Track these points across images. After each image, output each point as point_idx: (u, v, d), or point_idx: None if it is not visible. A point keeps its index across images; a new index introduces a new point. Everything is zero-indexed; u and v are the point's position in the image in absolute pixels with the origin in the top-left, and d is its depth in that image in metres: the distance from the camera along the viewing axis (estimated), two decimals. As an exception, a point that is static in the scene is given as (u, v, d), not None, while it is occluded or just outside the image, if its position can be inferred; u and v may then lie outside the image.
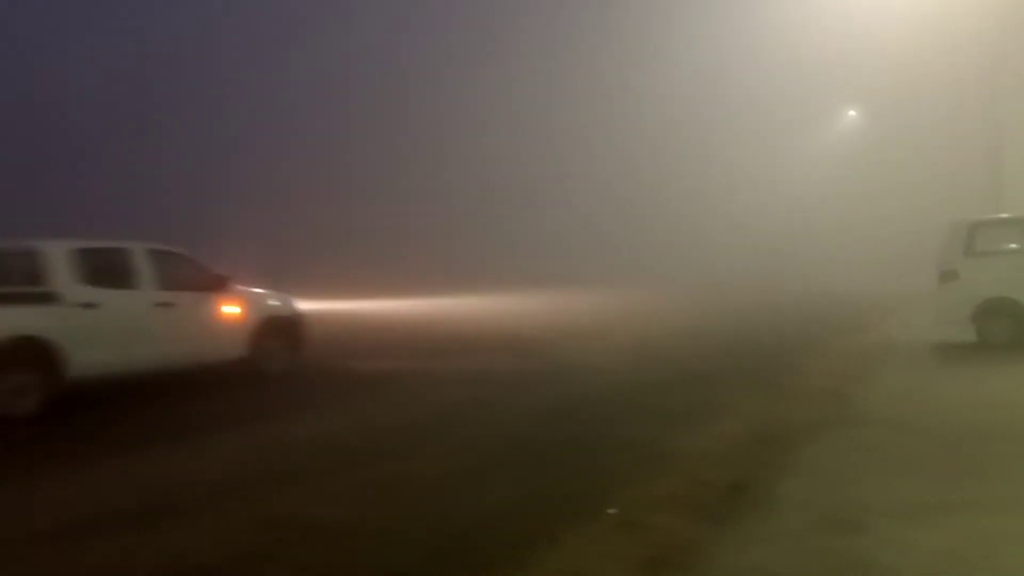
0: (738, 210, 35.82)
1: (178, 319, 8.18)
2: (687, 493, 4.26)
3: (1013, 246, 9.90)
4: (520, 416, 6.63)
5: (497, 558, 3.39)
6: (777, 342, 12.06)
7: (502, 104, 34.12)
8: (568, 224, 36.82)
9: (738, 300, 22.98)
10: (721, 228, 36.01)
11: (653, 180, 36.77)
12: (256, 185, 26.91)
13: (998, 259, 9.86)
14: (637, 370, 9.33)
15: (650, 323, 16.57)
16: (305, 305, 10.52)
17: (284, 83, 30.17)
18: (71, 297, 7.26)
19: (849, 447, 5.19)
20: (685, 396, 7.25)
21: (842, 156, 35.08)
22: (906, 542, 3.44)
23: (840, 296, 22.70)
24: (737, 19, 34.04)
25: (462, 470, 4.88)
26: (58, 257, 7.40)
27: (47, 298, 7.14)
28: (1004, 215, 12.20)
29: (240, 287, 9.08)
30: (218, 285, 8.65)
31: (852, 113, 34.96)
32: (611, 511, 3.95)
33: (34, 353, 6.82)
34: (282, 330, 9.30)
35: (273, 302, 9.51)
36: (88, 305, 7.36)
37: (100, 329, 7.37)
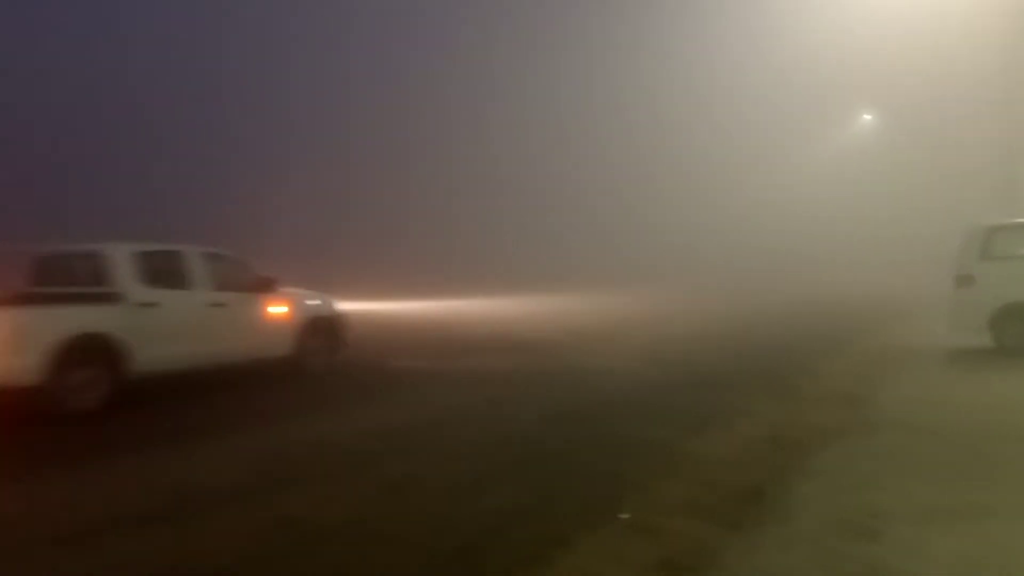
0: (754, 212, 35.34)
1: (229, 318, 8.36)
2: (701, 497, 4.16)
3: None
4: (535, 418, 6.51)
5: (508, 562, 3.33)
6: (792, 344, 11.84)
7: (512, 105, 33.87)
8: (585, 227, 36.54)
9: (752, 302, 22.65)
10: (736, 230, 35.54)
11: (669, 183, 36.33)
12: (295, 191, 27.13)
13: (1015, 264, 9.57)
14: (652, 372, 9.19)
15: (667, 325, 16.38)
16: (346, 306, 10.62)
17: (323, 83, 30.16)
18: (133, 297, 7.47)
19: (865, 451, 5.06)
20: (700, 398, 7.13)
21: (858, 158, 34.44)
22: (923, 547, 3.36)
23: (855, 299, 22.30)
24: (753, 21, 33.50)
25: (476, 471, 4.78)
26: (121, 259, 7.61)
27: (111, 298, 7.34)
28: (1021, 219, 11.91)
29: (285, 288, 9.24)
30: (265, 286, 8.81)
31: (868, 117, 34.32)
32: (624, 515, 3.85)
33: (101, 350, 7.01)
34: (323, 329, 9.44)
35: (315, 303, 9.63)
36: (149, 305, 7.56)
37: (160, 327, 7.55)
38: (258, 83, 28.18)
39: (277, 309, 8.92)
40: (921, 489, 4.20)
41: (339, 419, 6.71)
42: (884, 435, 5.52)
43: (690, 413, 6.48)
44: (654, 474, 4.63)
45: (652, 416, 6.44)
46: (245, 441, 5.87)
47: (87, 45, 22.67)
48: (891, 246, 30.75)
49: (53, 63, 21.38)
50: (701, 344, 12.41)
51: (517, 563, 3.31)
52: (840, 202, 34.01)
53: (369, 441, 5.73)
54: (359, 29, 31.12)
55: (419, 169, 32.03)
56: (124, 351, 7.16)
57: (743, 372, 8.99)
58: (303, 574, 3.28)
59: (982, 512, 3.79)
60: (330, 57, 29.73)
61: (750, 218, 35.35)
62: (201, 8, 25.97)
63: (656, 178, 36.25)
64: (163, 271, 7.93)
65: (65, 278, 7.77)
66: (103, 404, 6.91)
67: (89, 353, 6.92)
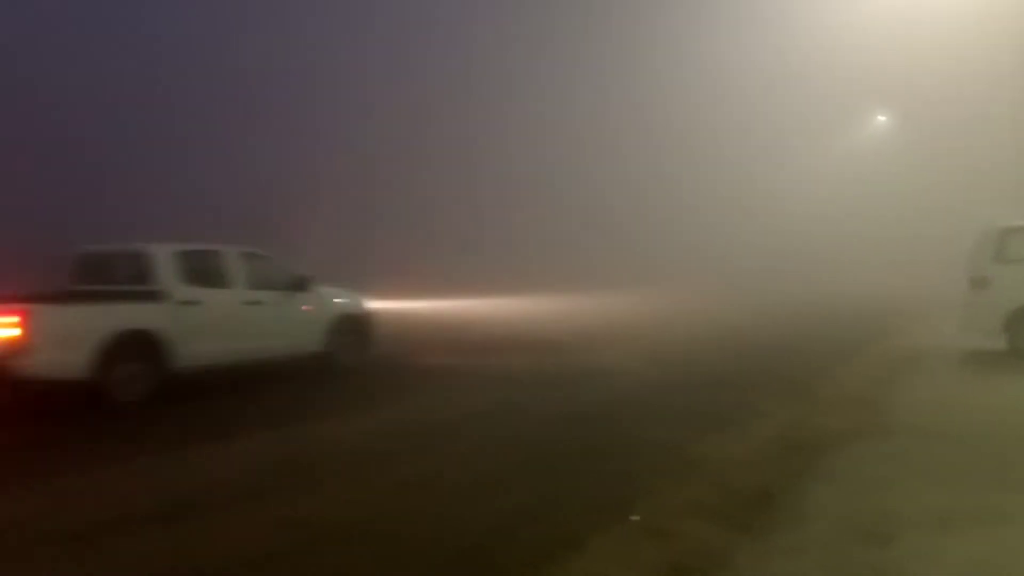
0: (766, 213, 34.88)
1: (266, 316, 8.45)
2: (714, 500, 4.08)
3: None
4: (549, 418, 6.42)
5: (519, 563, 3.28)
6: (806, 347, 11.59)
7: (530, 105, 33.57)
8: (603, 227, 36.27)
9: (766, 304, 22.32)
10: (749, 231, 35.09)
11: (682, 183, 35.94)
12: (322, 192, 27.25)
13: None
14: (668, 373, 9.05)
15: (685, 326, 16.17)
16: (376, 304, 10.66)
17: (344, 84, 30.05)
18: (176, 295, 7.58)
19: (879, 455, 4.95)
20: (714, 400, 7.01)
21: (872, 159, 33.84)
22: (937, 553, 3.28)
23: (868, 300, 21.94)
24: (770, 22, 32.94)
25: (490, 472, 4.71)
26: (163, 259, 7.72)
27: (155, 296, 7.47)
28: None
29: (318, 286, 9.32)
30: (299, 284, 8.90)
31: (882, 118, 33.72)
32: (634, 518, 3.78)
33: (146, 345, 7.14)
34: (353, 327, 9.49)
35: (345, 300, 9.70)
36: (190, 303, 7.67)
37: (200, 324, 7.66)
38: (280, 84, 28.12)
39: (309, 307, 9.00)
40: (935, 493, 4.10)
41: (362, 417, 6.68)
42: (897, 438, 5.40)
43: (703, 414, 6.38)
44: (665, 476, 4.55)
45: (665, 417, 6.33)
46: (272, 436, 5.89)
47: (109, 44, 22.78)
48: (905, 247, 30.16)
49: (70, 64, 21.51)
50: (716, 344, 12.27)
51: (527, 566, 3.26)
52: (854, 203, 33.42)
53: (385, 441, 5.67)
54: (378, 30, 30.99)
55: (441, 170, 32.03)
56: (167, 347, 7.29)
57: (755, 373, 8.82)
58: (307, 573, 3.25)
59: (997, 517, 3.69)
60: (350, 58, 29.63)
61: (764, 218, 34.89)
62: (222, 10, 25.99)
63: (672, 178, 35.94)
64: (203, 270, 8.04)
65: (107, 277, 7.89)
66: (148, 397, 7.04)
67: (135, 349, 7.05)
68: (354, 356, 9.40)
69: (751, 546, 3.44)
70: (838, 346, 11.40)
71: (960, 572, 3.14)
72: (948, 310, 11.36)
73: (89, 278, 7.95)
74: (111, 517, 3.93)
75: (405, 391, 8.00)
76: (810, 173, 35.11)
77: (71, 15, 22.61)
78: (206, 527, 3.80)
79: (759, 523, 3.73)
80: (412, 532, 3.70)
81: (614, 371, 9.24)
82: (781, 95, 34.60)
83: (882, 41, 30.46)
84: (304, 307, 8.95)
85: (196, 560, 3.41)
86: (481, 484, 4.49)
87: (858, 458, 4.92)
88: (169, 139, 23.87)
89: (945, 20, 26.03)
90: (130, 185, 21.75)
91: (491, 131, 32.38)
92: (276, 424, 6.32)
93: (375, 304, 10.47)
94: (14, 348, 6.33)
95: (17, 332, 6.36)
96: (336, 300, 9.54)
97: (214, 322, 7.87)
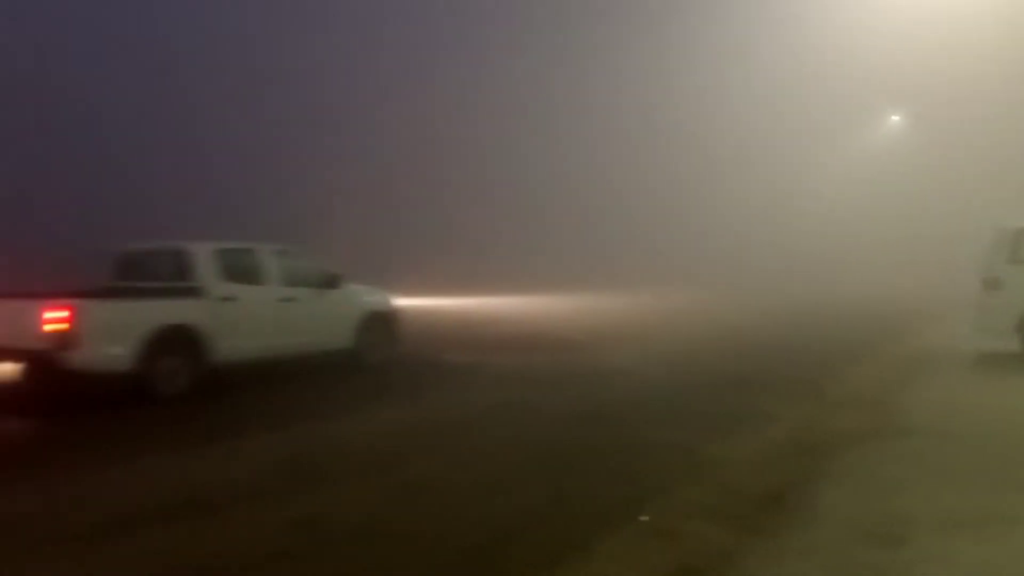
0: (780, 214, 34.31)
1: (299, 312, 8.47)
2: (724, 501, 3.96)
3: None
4: (563, 416, 6.30)
5: (527, 564, 3.20)
6: (817, 347, 11.32)
7: (544, 107, 33.32)
8: (620, 227, 35.96)
9: (779, 304, 21.96)
10: (763, 232, 34.54)
11: (696, 184, 35.45)
12: (347, 192, 27.36)
13: None
14: (680, 372, 8.87)
15: (697, 326, 15.93)
16: (404, 301, 10.66)
17: (358, 86, 30.00)
18: (215, 292, 7.64)
19: (891, 456, 4.78)
20: (726, 401, 6.86)
21: (885, 159, 33.10)
22: (949, 555, 3.15)
23: (881, 301, 21.47)
24: (783, 23, 32.29)
25: (499, 472, 4.60)
26: (203, 256, 7.79)
27: (194, 292, 7.53)
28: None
29: (348, 284, 9.32)
30: (330, 282, 8.91)
31: (895, 118, 32.96)
32: (643, 518, 3.68)
33: (187, 340, 7.21)
34: (380, 324, 9.48)
35: (373, 298, 9.70)
36: (228, 299, 7.72)
37: (237, 320, 7.71)
38: (297, 85, 28.10)
39: (339, 304, 9.02)
40: (947, 495, 3.96)
41: (382, 415, 6.61)
42: (909, 440, 5.23)
43: (714, 415, 6.24)
44: (675, 477, 4.43)
45: (676, 417, 6.19)
46: (296, 434, 5.81)
47: (129, 43, 22.85)
48: (918, 248, 29.50)
49: (96, 62, 21.58)
50: (727, 345, 12.06)
51: (535, 566, 3.17)
52: (867, 203, 32.75)
53: (399, 440, 5.56)
54: (390, 34, 30.87)
55: (461, 172, 31.99)
56: (207, 342, 7.35)
57: (766, 373, 8.61)
58: (311, 572, 3.20)
59: (1010, 519, 3.55)
60: (363, 62, 29.55)
61: (778, 219, 34.34)
62: (244, 12, 25.99)
63: (686, 179, 35.51)
64: (240, 267, 8.09)
65: (148, 273, 7.97)
66: (188, 390, 7.11)
67: (176, 343, 7.12)
68: (381, 353, 9.39)
69: (761, 547, 3.35)
70: (851, 347, 11.12)
71: (972, 575, 3.02)
72: (961, 311, 11.04)
73: (130, 275, 8.05)
74: (108, 518, 3.82)
75: (425, 389, 7.94)
76: (824, 173, 34.45)
77: (98, 18, 22.76)
78: (219, 524, 3.74)
79: (769, 524, 3.62)
80: (419, 531, 3.63)
81: (627, 370, 9.08)
82: (795, 95, 33.93)
83: (896, 41, 29.72)
84: (334, 304, 8.90)
85: (198, 559, 3.34)
86: (495, 483, 4.42)
87: (870, 459, 4.77)
88: (197, 143, 24.04)
89: (959, 20, 25.33)
90: (156, 185, 21.93)
91: (509, 135, 32.32)
92: (294, 422, 6.21)
93: (400, 301, 10.50)
94: (63, 341, 6.43)
95: (66, 326, 6.46)
96: (365, 298, 9.55)
97: (250, 318, 7.91)
